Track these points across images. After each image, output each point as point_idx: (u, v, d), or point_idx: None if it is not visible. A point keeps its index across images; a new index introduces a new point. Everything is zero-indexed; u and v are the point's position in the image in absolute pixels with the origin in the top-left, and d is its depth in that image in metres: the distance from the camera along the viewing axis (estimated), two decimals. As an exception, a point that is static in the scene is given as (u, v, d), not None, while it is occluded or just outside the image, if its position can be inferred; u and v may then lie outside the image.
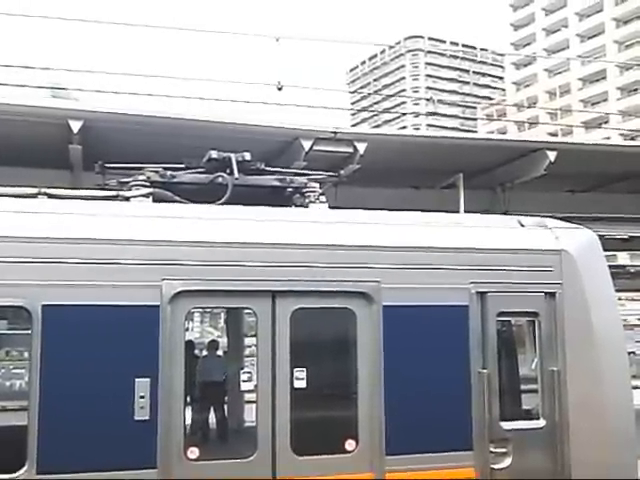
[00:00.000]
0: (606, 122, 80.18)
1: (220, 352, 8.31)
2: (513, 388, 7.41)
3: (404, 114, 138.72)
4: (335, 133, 14.84)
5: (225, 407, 7.53)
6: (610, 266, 7.72)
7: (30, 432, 5.70)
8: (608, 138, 55.46)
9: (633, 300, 42.50)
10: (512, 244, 7.23)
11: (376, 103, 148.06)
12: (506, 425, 6.90)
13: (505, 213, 15.35)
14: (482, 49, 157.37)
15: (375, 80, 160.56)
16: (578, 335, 7.14)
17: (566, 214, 10.92)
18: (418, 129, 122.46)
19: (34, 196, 6.69)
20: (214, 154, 7.43)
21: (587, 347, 7.16)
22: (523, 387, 7.51)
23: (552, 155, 16.01)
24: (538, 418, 7.09)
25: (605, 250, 7.74)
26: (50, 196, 6.73)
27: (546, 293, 7.14)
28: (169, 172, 7.27)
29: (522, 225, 7.54)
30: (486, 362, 6.90)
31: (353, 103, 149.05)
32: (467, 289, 6.90)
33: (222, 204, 7.08)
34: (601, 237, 7.75)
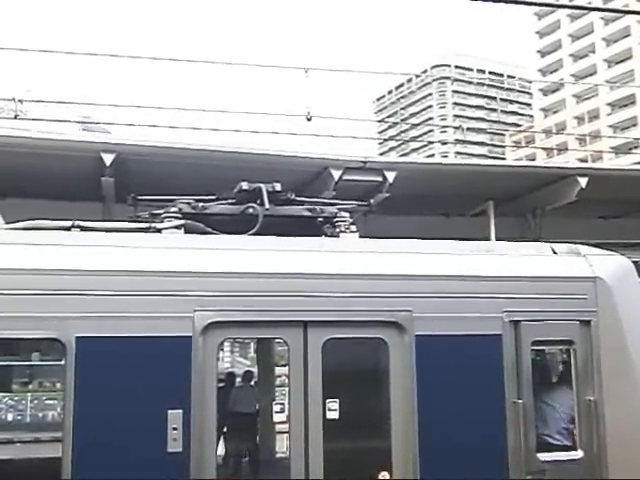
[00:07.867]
0: (636, 147, 79.52)
1: (252, 383, 8.28)
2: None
3: (431, 142, 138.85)
4: (365, 162, 14.89)
5: (257, 438, 7.49)
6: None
7: (64, 463, 5.70)
8: (639, 163, 54.93)
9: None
10: (546, 272, 7.15)
11: (403, 132, 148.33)
12: (543, 456, 6.77)
13: (536, 240, 15.24)
14: (509, 76, 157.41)
15: (402, 109, 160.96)
16: (614, 363, 7.01)
17: (599, 241, 10.79)
18: (446, 157, 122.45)
19: (67, 229, 6.75)
20: (245, 185, 7.47)
21: (624, 375, 7.02)
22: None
23: (583, 181, 15.91)
24: (575, 449, 6.95)
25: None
26: (83, 228, 6.78)
27: (581, 321, 7.03)
28: (200, 203, 7.31)
29: (555, 252, 7.45)
30: (521, 392, 6.78)
31: (380, 132, 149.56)
32: (500, 318, 6.81)
33: (253, 234, 7.09)
34: (635, 263, 7.64)
